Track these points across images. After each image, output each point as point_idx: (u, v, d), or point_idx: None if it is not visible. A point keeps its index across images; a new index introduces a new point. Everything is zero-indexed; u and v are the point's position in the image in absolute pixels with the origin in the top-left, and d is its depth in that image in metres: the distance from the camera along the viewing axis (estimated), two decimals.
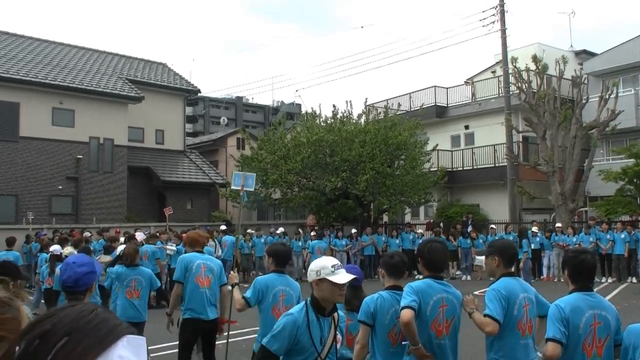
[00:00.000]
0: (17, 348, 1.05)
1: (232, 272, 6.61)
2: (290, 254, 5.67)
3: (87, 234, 17.89)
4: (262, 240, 21.17)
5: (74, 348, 1.02)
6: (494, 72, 30.08)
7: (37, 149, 23.99)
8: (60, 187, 24.45)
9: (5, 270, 3.87)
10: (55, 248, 11.36)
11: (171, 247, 15.68)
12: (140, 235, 15.67)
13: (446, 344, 4.22)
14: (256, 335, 5.40)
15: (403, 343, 4.23)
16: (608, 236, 18.51)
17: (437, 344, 4.17)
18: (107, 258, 13.60)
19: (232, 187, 8.70)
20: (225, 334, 6.90)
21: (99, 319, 1.09)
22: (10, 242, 16.44)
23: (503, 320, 4.09)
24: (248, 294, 5.33)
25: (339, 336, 3.75)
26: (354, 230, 21.57)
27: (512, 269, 4.46)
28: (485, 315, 4.10)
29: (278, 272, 5.51)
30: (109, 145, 26.02)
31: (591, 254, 4.17)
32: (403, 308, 4.05)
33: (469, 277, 19.86)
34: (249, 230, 21.89)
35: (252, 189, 8.58)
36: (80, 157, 25.01)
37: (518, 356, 4.18)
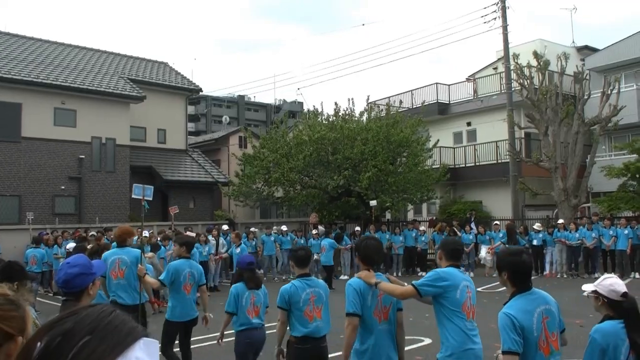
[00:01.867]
0: (38, 344, 1.06)
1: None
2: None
3: (91, 233, 17.93)
4: (272, 238, 21.16)
5: (95, 348, 1.04)
6: (495, 68, 30.05)
7: (39, 150, 24.02)
8: (63, 187, 24.48)
9: (12, 271, 3.89)
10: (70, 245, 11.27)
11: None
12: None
13: (386, 328, 4.77)
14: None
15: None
16: (611, 232, 18.50)
17: (378, 329, 4.72)
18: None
19: (133, 196, 9.68)
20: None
21: (118, 320, 1.11)
22: (37, 241, 16.80)
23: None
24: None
25: None
26: (357, 228, 21.53)
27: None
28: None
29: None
30: (111, 144, 26.04)
31: (527, 253, 4.26)
32: (347, 314, 4.68)
33: (472, 274, 19.83)
34: (252, 229, 21.91)
35: (151, 199, 9.98)
36: (83, 157, 25.03)
37: None
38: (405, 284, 4.93)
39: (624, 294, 3.82)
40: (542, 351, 3.78)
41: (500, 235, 19.85)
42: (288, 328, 5.57)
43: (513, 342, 3.70)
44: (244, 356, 6.51)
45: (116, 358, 1.04)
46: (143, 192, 9.18)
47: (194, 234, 17.13)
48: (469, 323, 4.67)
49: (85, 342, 1.04)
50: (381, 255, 5.36)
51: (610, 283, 3.90)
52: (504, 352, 3.74)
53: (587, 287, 4.04)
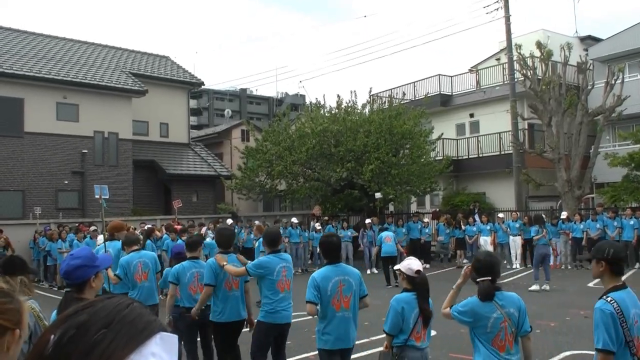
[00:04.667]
0: (52, 337, 1.03)
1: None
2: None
3: (93, 228, 17.95)
4: (281, 231, 21.12)
5: (111, 342, 1.00)
6: (498, 59, 29.96)
7: (42, 144, 24.01)
8: (66, 181, 24.49)
9: (13, 265, 3.88)
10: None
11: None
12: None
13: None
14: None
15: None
16: (615, 223, 18.44)
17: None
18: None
19: (96, 196, 10.28)
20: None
21: (135, 314, 1.07)
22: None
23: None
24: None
25: None
26: (368, 220, 21.09)
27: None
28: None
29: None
30: (113, 139, 26.02)
31: (337, 237, 5.95)
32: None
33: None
34: (256, 222, 21.91)
35: (107, 197, 10.80)
36: (85, 151, 25.03)
37: None
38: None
39: (417, 272, 4.95)
40: (334, 306, 5.40)
41: (517, 225, 19.69)
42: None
43: (312, 295, 5.34)
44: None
45: (130, 354, 1.00)
46: (100, 192, 10.01)
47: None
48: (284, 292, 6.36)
49: (100, 337, 1.01)
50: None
51: (408, 263, 5.06)
52: (307, 302, 5.36)
53: (396, 267, 5.33)
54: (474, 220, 20.86)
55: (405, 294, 4.93)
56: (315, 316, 5.50)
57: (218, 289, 6.64)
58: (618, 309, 3.60)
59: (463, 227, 20.95)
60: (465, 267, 4.51)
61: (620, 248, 3.97)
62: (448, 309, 4.48)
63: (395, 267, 5.20)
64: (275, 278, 6.26)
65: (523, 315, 4.32)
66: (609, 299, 3.66)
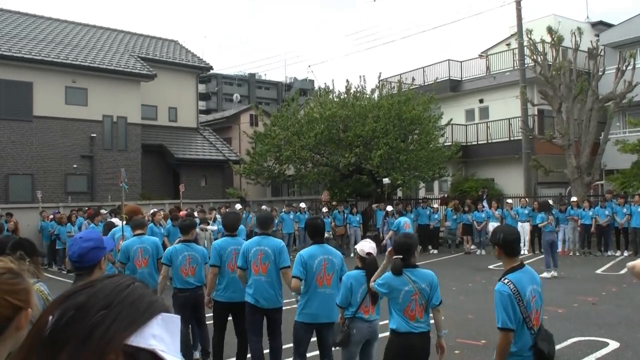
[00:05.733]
0: (50, 318, 1.02)
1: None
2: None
3: (103, 211, 18.02)
4: (291, 216, 21.18)
5: (111, 324, 0.98)
6: (508, 44, 29.73)
7: (51, 128, 24.07)
8: (75, 165, 24.57)
9: (22, 248, 3.89)
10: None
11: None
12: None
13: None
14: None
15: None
16: (624, 210, 18.33)
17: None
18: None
19: (124, 181, 10.33)
20: None
21: (136, 294, 1.05)
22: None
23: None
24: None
25: None
26: (390, 208, 20.44)
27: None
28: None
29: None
30: (122, 123, 26.06)
31: (321, 219, 6.79)
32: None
33: (483, 252, 19.83)
34: (263, 207, 21.95)
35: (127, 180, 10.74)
36: (94, 135, 25.08)
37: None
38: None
39: (368, 254, 5.55)
40: (317, 282, 5.97)
41: (526, 211, 19.62)
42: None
43: (298, 271, 5.95)
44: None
45: (131, 335, 0.98)
46: (122, 176, 10.05)
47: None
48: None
49: (99, 318, 0.99)
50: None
51: (362, 245, 5.71)
52: (293, 277, 5.99)
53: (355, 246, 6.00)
54: (482, 207, 20.80)
55: (355, 272, 5.58)
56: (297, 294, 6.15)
57: (222, 270, 6.97)
58: (515, 290, 4.02)
59: (469, 212, 20.87)
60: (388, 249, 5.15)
61: (510, 231, 4.41)
62: (372, 282, 5.09)
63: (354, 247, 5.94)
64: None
65: (434, 290, 4.93)
66: (506, 280, 4.09)
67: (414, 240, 5.29)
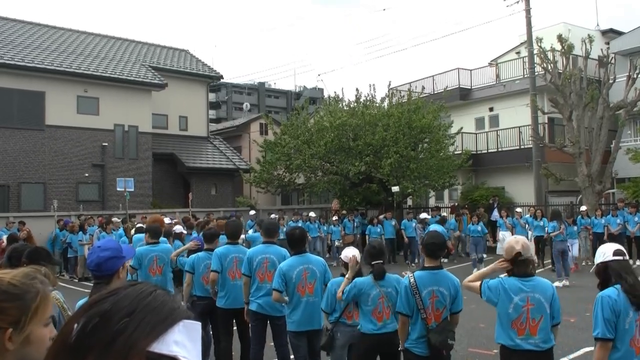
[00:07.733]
0: (75, 325, 1.04)
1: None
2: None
3: (116, 219, 18.08)
4: (299, 224, 21.12)
5: (133, 331, 1.01)
6: (518, 52, 29.68)
7: (63, 137, 24.25)
8: (86, 174, 24.72)
9: (38, 256, 3.93)
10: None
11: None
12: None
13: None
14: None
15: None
16: (636, 218, 18.18)
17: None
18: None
19: (119, 189, 10.36)
20: None
21: (158, 301, 1.07)
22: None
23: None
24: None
25: None
26: (424, 215, 18.21)
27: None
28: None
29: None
30: (133, 132, 26.21)
31: (300, 229, 6.65)
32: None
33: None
34: (272, 215, 21.96)
35: (132, 190, 10.89)
36: (106, 144, 25.24)
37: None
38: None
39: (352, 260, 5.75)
40: (299, 293, 6.13)
41: (542, 223, 18.78)
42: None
43: (277, 284, 6.05)
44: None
45: (154, 341, 1.01)
46: (125, 185, 10.16)
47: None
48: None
49: (122, 325, 1.01)
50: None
51: (346, 252, 5.86)
52: (273, 290, 6.10)
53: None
54: (489, 217, 20.54)
55: (340, 278, 5.80)
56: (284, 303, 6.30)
57: (222, 277, 7.08)
58: (414, 284, 4.79)
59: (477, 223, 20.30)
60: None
61: (434, 237, 5.14)
62: (340, 292, 5.49)
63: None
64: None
65: (400, 294, 5.12)
66: (410, 275, 4.92)
67: (383, 246, 5.95)
